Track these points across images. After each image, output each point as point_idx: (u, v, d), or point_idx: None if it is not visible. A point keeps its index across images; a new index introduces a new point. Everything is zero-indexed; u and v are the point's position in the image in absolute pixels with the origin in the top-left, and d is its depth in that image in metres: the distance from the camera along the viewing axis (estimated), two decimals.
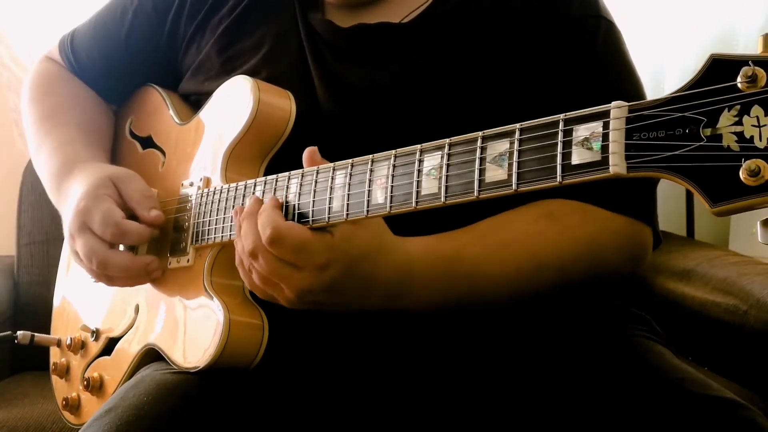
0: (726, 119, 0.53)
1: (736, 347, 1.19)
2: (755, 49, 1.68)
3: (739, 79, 0.52)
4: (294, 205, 0.84)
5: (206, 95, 1.10)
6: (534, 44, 0.99)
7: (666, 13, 1.78)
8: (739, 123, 0.53)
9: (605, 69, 1.01)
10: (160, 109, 1.19)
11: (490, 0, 1.02)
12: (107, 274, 1.02)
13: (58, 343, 1.23)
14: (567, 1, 1.01)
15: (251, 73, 1.06)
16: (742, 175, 0.52)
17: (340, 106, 1.02)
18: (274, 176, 0.88)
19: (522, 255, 0.91)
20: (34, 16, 1.86)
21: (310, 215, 0.82)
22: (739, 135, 0.53)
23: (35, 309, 1.69)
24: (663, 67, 1.80)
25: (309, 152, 0.85)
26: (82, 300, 1.22)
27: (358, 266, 0.82)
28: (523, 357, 0.94)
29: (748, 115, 0.52)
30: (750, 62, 0.52)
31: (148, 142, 1.20)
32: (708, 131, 0.54)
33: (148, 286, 1.07)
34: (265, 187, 0.90)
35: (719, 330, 1.21)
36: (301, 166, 0.86)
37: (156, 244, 1.07)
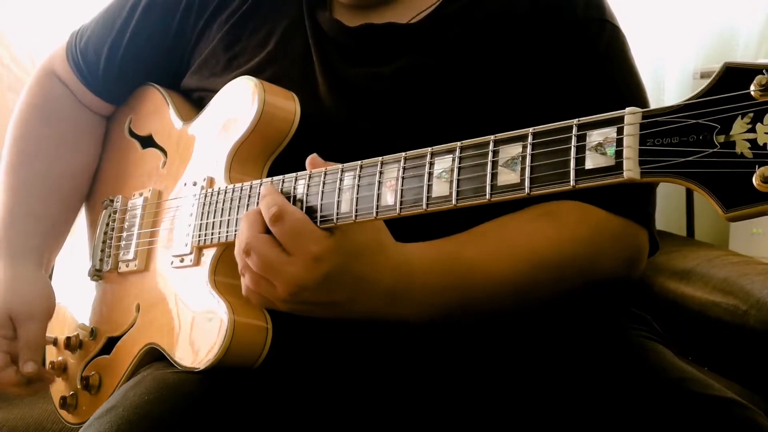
0: (739, 126, 0.54)
1: (736, 347, 1.20)
2: (755, 48, 1.68)
3: (752, 88, 0.53)
4: (302, 205, 0.84)
5: (210, 92, 1.09)
6: (539, 46, 1.00)
7: (666, 13, 1.79)
8: (753, 130, 0.53)
9: (608, 72, 1.01)
10: (161, 108, 1.19)
11: (497, 2, 1.03)
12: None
13: (54, 342, 1.23)
14: (573, 3, 1.02)
15: (256, 71, 1.06)
16: (755, 181, 0.53)
17: (343, 105, 1.02)
18: (280, 177, 0.88)
19: (522, 253, 0.91)
20: (34, 16, 1.85)
21: (318, 216, 0.82)
22: (753, 142, 0.53)
23: None
24: (663, 67, 1.81)
25: (311, 159, 0.85)
26: (79, 299, 1.22)
27: (354, 264, 0.82)
28: (523, 357, 0.95)
29: (762, 122, 0.53)
30: (764, 71, 0.53)
31: (148, 141, 1.20)
32: (721, 138, 0.55)
33: (150, 285, 1.07)
34: None
35: (719, 330, 1.22)
36: (304, 166, 0.86)
37: (159, 243, 1.07)
